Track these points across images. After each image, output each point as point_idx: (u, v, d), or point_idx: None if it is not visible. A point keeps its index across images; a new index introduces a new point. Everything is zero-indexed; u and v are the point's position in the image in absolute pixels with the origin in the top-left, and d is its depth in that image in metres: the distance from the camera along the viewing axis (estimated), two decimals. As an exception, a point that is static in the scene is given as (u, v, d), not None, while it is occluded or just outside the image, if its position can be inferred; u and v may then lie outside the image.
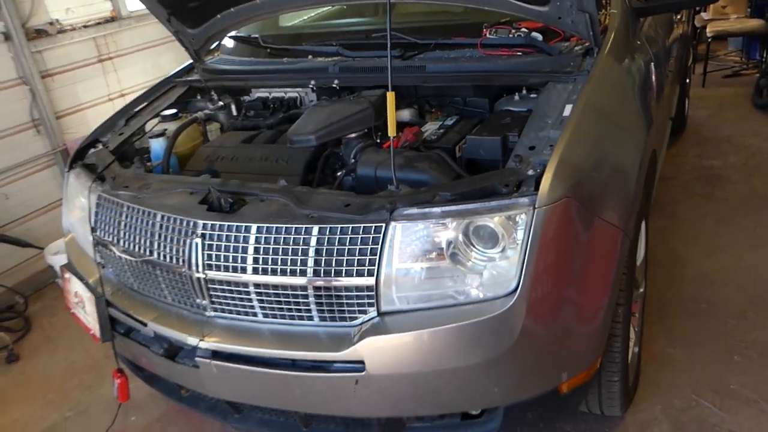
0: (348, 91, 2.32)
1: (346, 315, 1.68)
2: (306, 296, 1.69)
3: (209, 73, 2.73)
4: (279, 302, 1.73)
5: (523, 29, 2.24)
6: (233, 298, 1.78)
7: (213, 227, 1.76)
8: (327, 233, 1.65)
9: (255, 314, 1.78)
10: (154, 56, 4.56)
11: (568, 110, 1.84)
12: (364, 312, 1.66)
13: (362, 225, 1.62)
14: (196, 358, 1.80)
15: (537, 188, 1.59)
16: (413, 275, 1.63)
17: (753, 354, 2.50)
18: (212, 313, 1.84)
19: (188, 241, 1.79)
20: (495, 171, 1.69)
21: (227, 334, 1.80)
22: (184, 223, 1.82)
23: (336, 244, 1.64)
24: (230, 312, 1.81)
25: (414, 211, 1.61)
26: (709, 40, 5.93)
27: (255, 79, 2.53)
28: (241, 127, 2.52)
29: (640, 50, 2.42)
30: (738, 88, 5.67)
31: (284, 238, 1.68)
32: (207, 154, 2.33)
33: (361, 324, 1.66)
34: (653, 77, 2.46)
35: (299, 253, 1.66)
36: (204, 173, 2.21)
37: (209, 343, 1.78)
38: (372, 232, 1.62)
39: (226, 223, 1.75)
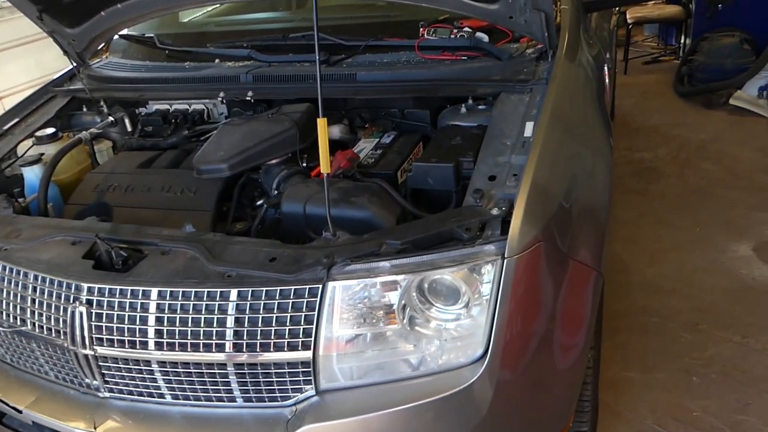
0: (265, 104, 1.97)
1: (277, 395, 1.36)
2: (225, 374, 1.35)
3: (96, 81, 2.29)
4: (192, 382, 1.38)
5: (466, 29, 1.96)
6: (132, 378, 1.42)
7: (101, 292, 1.39)
8: (249, 298, 1.31)
9: (162, 395, 1.43)
10: (37, 52, 3.98)
11: (529, 129, 1.57)
12: (299, 390, 1.34)
13: (293, 287, 1.30)
14: (92, 454, 1.43)
15: (505, 231, 1.32)
16: (358, 344, 1.33)
17: (711, 374, 2.36)
18: (107, 394, 1.47)
19: (69, 309, 1.40)
20: (452, 210, 1.41)
21: (126, 421, 1.43)
22: (63, 286, 1.43)
23: (261, 311, 1.30)
24: (130, 393, 1.45)
25: (357, 267, 1.30)
26: (630, 26, 5.89)
27: (151, 89, 2.12)
28: (138, 147, 2.12)
29: (591, 48, 2.20)
30: (659, 75, 5.67)
31: (194, 305, 1.33)
32: (96, 182, 1.93)
33: (295, 404, 1.35)
34: (606, 77, 2.24)
35: (214, 324, 1.32)
36: (91, 209, 1.82)
37: (104, 438, 1.41)
38: (306, 294, 1.30)
39: (118, 287, 1.38)
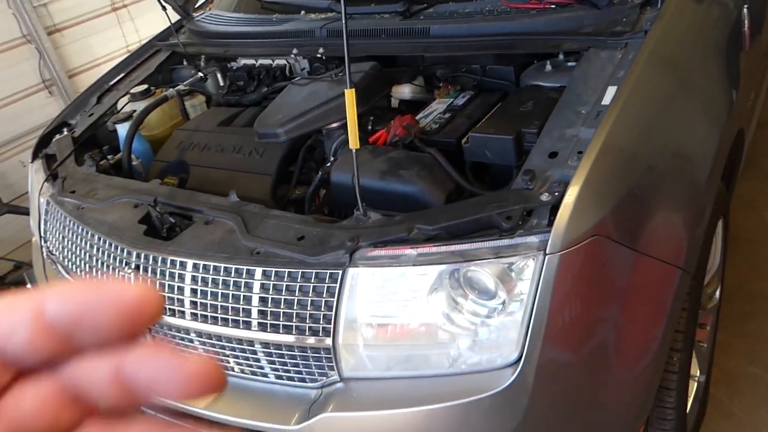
0: (338, 61, 1.86)
1: (305, 376, 1.32)
2: (254, 351, 1.34)
3: (194, 35, 2.33)
4: (226, 355, 1.39)
5: (563, -30, 1.69)
6: (176, 345, 1.46)
7: (147, 258, 1.42)
8: (272, 277, 1.27)
9: (204, 362, 1.45)
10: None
11: (609, 95, 1.33)
12: (325, 375, 1.29)
13: (314, 270, 1.23)
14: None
15: (552, 222, 1.13)
16: (383, 334, 1.24)
17: None
18: (159, 355, 1.52)
19: (120, 272, 1.46)
20: (495, 193, 1.23)
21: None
22: (118, 250, 1.48)
23: (283, 291, 1.26)
24: (178, 356, 1.49)
25: (381, 253, 1.20)
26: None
27: (235, 44, 2.10)
28: (225, 103, 2.13)
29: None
30: None
31: (223, 280, 1.32)
32: (180, 139, 1.97)
33: (321, 387, 1.31)
34: (746, 19, 1.84)
35: (241, 301, 1.30)
36: (172, 166, 1.87)
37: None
38: (327, 279, 1.22)
39: (160, 255, 1.40)
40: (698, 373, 1.80)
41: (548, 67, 1.60)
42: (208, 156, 1.85)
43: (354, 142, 1.22)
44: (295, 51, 1.89)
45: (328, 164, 1.62)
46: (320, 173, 1.59)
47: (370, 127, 1.68)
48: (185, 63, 2.34)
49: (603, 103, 1.31)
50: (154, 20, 4.15)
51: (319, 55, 1.84)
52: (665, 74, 1.42)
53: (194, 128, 2.00)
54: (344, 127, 1.63)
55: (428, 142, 1.54)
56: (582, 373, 1.21)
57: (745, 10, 1.75)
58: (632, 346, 1.26)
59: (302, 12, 2.10)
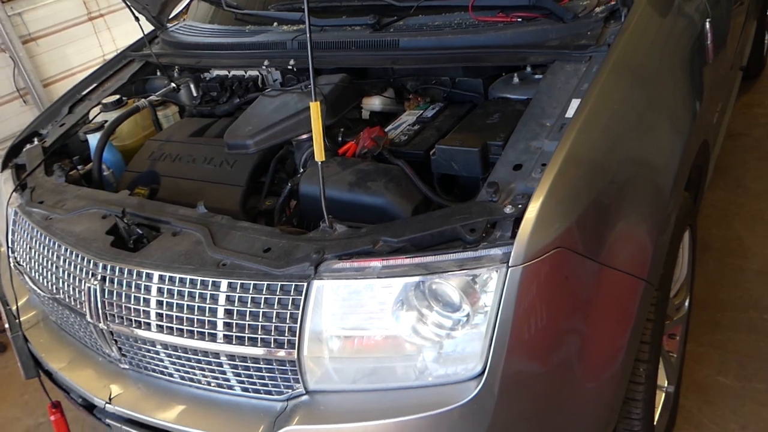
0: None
1: (271, 389, 1.32)
2: (220, 363, 1.33)
3: (167, 45, 2.32)
4: (193, 366, 1.38)
5: (531, -17, 1.71)
6: (144, 356, 1.45)
7: (113, 270, 1.41)
8: (238, 290, 1.26)
9: (171, 375, 1.44)
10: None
11: (573, 108, 1.35)
12: (290, 387, 1.29)
13: (279, 283, 1.23)
14: (107, 420, 1.50)
15: (515, 235, 1.15)
16: (349, 346, 1.24)
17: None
18: (126, 366, 1.51)
19: (86, 284, 1.44)
20: (460, 206, 1.24)
21: (138, 396, 1.47)
22: (84, 261, 1.47)
23: (249, 304, 1.25)
24: (145, 368, 1.48)
25: (346, 265, 1.20)
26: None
27: (208, 55, 2.10)
28: (197, 114, 2.13)
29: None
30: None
31: (189, 292, 1.31)
32: (151, 150, 1.96)
33: (287, 400, 1.30)
34: (709, 33, 1.87)
35: (206, 313, 1.29)
36: (143, 177, 1.86)
37: (115, 408, 1.46)
38: (291, 291, 1.22)
39: (126, 267, 1.39)
40: (666, 384, 1.82)
41: (515, 80, 1.62)
42: (179, 167, 1.84)
43: (319, 155, 1.23)
44: (266, 63, 1.89)
45: (298, 175, 1.62)
46: (289, 184, 1.59)
47: (340, 139, 1.69)
48: (159, 73, 2.33)
49: (567, 115, 1.33)
50: (131, 30, 4.12)
51: (290, 67, 1.85)
52: (628, 86, 1.44)
53: (166, 139, 2.00)
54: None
55: (397, 153, 1.55)
56: (547, 384, 1.21)
57: (707, 23, 1.79)
58: (597, 358, 1.27)
59: (275, 24, 2.11)
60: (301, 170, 1.63)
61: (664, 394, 1.82)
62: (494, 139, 1.39)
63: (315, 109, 1.21)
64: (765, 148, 3.33)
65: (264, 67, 1.89)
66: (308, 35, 1.20)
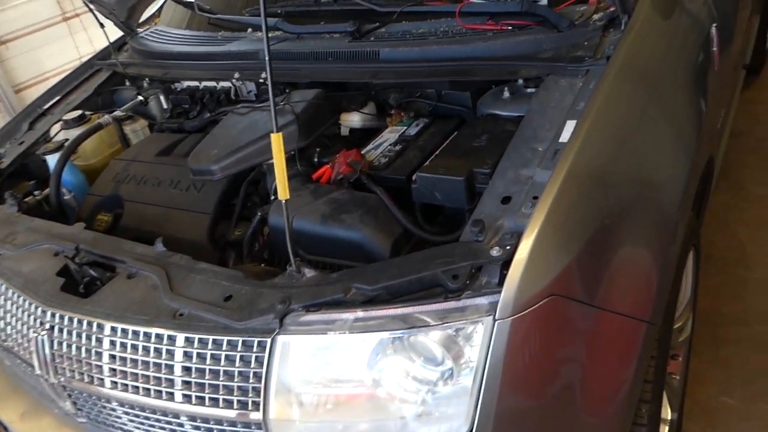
0: (286, 87, 1.72)
1: (237, 451, 1.19)
2: (181, 424, 1.20)
3: (136, 54, 2.17)
4: (153, 426, 1.25)
5: (521, -13, 1.57)
6: (100, 411, 1.31)
7: (62, 318, 1.28)
8: (195, 344, 1.13)
9: None
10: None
11: (568, 131, 1.21)
12: (258, 451, 1.16)
13: (241, 338, 1.10)
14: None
15: (503, 281, 1.01)
16: (320, 407, 1.10)
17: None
18: (84, 420, 1.38)
19: (34, 333, 1.31)
20: (441, 248, 1.11)
21: (98, 453, 1.34)
22: (32, 308, 1.34)
23: (208, 360, 1.12)
24: (104, 423, 1.35)
25: (315, 318, 1.07)
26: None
27: (176, 65, 1.95)
28: (167, 129, 1.98)
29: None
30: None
31: (143, 345, 1.18)
32: (116, 171, 1.83)
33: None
34: (715, 38, 1.73)
35: (163, 369, 1.16)
36: (106, 202, 1.73)
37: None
38: (255, 347, 1.09)
39: (76, 317, 1.26)
40: (669, 415, 1.69)
41: (506, 94, 1.48)
42: (144, 190, 1.71)
43: (283, 192, 1.09)
44: (237, 75, 1.75)
45: (269, 203, 1.48)
46: (259, 213, 1.46)
47: (316, 160, 1.55)
48: (128, 84, 2.18)
49: (561, 140, 1.19)
50: (109, 30, 3.97)
51: (261, 81, 1.70)
52: (629, 106, 1.30)
53: (132, 158, 1.86)
54: (287, 162, 1.51)
55: (376, 178, 1.41)
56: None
57: (713, 29, 1.65)
58: (595, 412, 1.14)
59: (249, 30, 1.96)
60: (273, 197, 1.50)
61: (666, 427, 1.70)
62: (481, 165, 1.25)
63: (276, 141, 1.07)
64: (766, 148, 3.20)
65: (234, 79, 1.75)
66: (266, 51, 1.05)
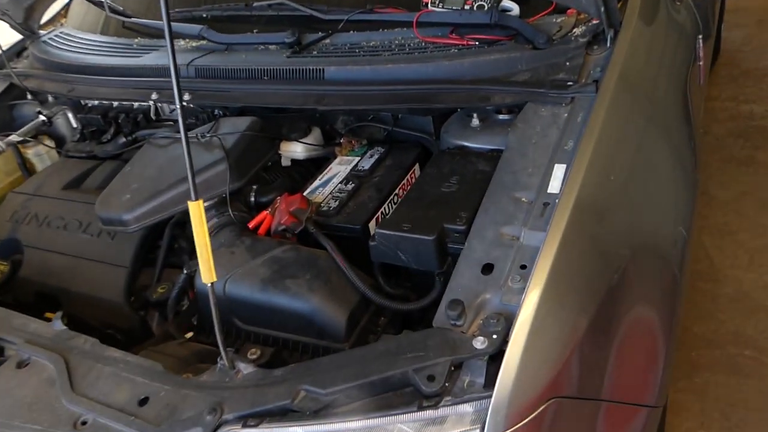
0: (208, 113, 1.46)
1: None
2: None
3: (37, 62, 1.86)
4: None
5: (489, -7, 1.36)
6: None
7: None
8: (100, 466, 0.88)
9: None
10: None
11: (557, 179, 1.01)
12: None
13: (158, 461, 0.86)
14: None
15: (492, 382, 0.81)
16: None
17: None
18: None
19: None
20: (412, 336, 0.89)
21: None
22: None
23: (117, 486, 0.88)
24: None
25: (254, 433, 0.84)
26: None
27: (83, 81, 1.65)
28: (76, 154, 1.69)
29: (677, 10, 1.52)
30: (781, -4, 4.62)
31: (34, 465, 0.92)
32: (14, 208, 1.55)
33: None
34: (701, 51, 1.56)
35: (60, 496, 0.91)
36: (3, 245, 1.44)
37: None
38: (178, 472, 0.85)
39: (-53, 421, 0.98)
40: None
41: (474, 122, 1.27)
42: (47, 234, 1.44)
43: (207, 275, 0.85)
44: (154, 96, 1.47)
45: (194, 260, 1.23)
46: (185, 272, 1.20)
47: (253, 199, 1.31)
48: (30, 97, 1.86)
49: (550, 189, 0.99)
50: (5, 32, 3.56)
51: (183, 104, 1.43)
52: (626, 145, 1.11)
53: (33, 191, 1.57)
54: (217, 206, 1.26)
55: (325, 227, 1.18)
56: None
57: (699, 40, 1.48)
58: None
59: (170, 37, 1.68)
60: (201, 250, 1.24)
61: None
62: (454, 220, 1.03)
63: (196, 210, 0.83)
64: (727, 147, 3.11)
65: (152, 101, 1.47)
66: (174, 75, 0.80)
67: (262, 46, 1.49)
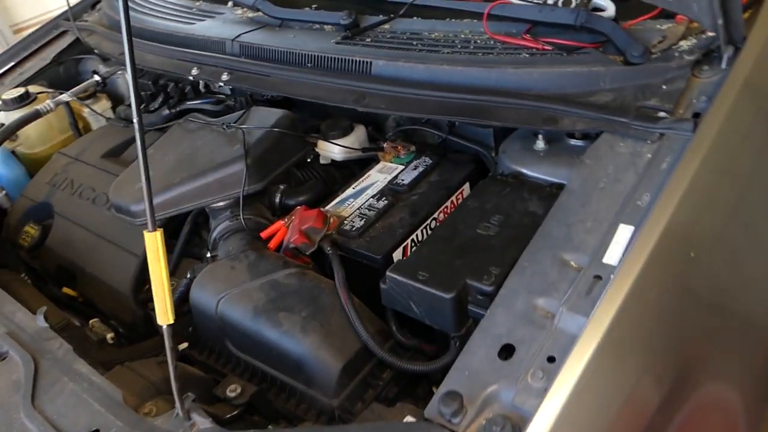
0: (245, 98, 1.32)
1: None
2: None
3: (104, 17, 1.79)
4: None
5: (579, -12, 1.11)
6: None
7: None
8: (37, 505, 0.79)
9: None
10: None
11: (620, 241, 0.79)
12: None
13: None
14: None
15: None
16: None
17: None
18: None
19: None
20: (395, 428, 0.72)
21: None
22: None
23: None
24: None
25: None
26: None
27: (134, 44, 1.55)
28: (125, 118, 1.62)
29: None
30: None
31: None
32: (55, 170, 1.51)
33: None
34: None
35: None
36: (34, 210, 1.42)
37: None
38: None
39: None
40: None
41: (540, 144, 1.05)
42: (76, 204, 1.39)
43: (164, 317, 0.71)
44: (195, 71, 1.34)
45: (205, 260, 1.12)
46: (189, 275, 1.09)
47: (278, 200, 1.17)
48: (96, 52, 1.81)
49: (606, 259, 0.77)
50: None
51: (220, 84, 1.30)
52: (721, 207, 0.85)
53: (75, 156, 1.52)
54: (232, 207, 1.13)
55: (342, 248, 1.02)
56: None
57: None
58: None
59: (230, 3, 1.55)
60: (208, 255, 1.12)
61: None
62: (480, 277, 0.84)
63: (152, 242, 0.69)
64: None
65: (192, 76, 1.35)
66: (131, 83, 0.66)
67: (317, 25, 1.33)
